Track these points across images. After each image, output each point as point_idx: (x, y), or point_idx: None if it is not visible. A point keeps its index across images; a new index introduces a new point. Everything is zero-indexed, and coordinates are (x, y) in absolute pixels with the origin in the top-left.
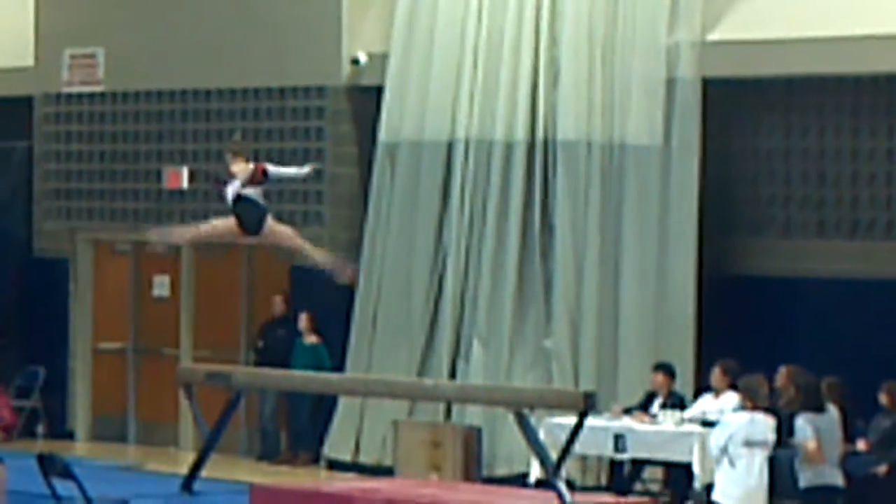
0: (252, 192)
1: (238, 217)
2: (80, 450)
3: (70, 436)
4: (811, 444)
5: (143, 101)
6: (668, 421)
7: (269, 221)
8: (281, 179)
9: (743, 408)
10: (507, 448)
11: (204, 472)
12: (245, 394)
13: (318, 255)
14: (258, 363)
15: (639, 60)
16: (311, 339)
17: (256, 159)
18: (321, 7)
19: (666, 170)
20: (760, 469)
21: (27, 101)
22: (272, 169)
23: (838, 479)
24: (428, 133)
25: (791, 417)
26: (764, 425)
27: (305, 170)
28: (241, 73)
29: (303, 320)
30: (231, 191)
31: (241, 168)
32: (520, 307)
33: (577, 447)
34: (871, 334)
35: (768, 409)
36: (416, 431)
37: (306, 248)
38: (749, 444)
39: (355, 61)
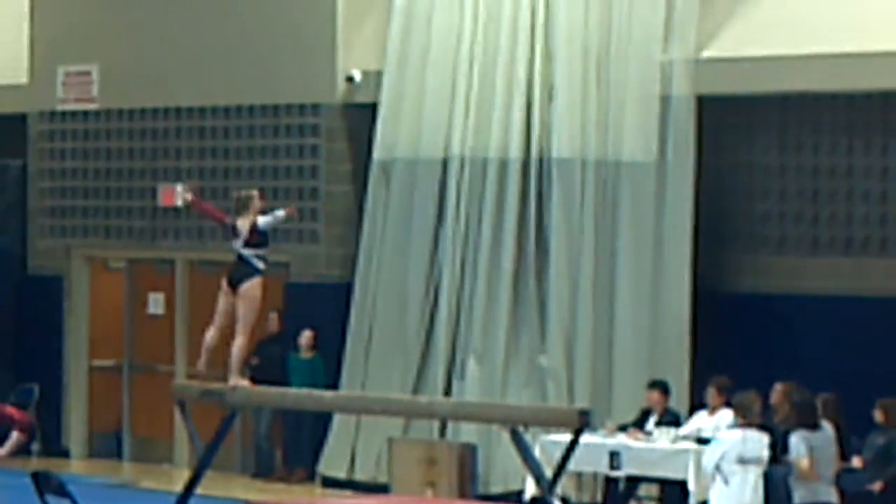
0: (249, 252)
1: (228, 272)
2: (75, 467)
3: (65, 453)
4: (804, 462)
5: (138, 119)
6: (663, 438)
7: (247, 285)
8: (275, 228)
9: (737, 425)
10: (502, 465)
11: (199, 490)
12: (240, 411)
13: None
14: (252, 380)
15: (633, 78)
16: (307, 353)
17: (263, 190)
18: (316, 25)
19: (660, 187)
20: (754, 486)
21: (22, 119)
22: (261, 221)
23: (832, 497)
24: (423, 150)
25: (786, 434)
26: (758, 442)
27: (281, 213)
28: (235, 90)
29: (305, 337)
30: (236, 246)
31: (243, 224)
32: (514, 324)
33: (573, 464)
34: (866, 351)
35: (762, 426)
36: (411, 449)
37: (236, 347)
38: (743, 461)
39: (350, 79)
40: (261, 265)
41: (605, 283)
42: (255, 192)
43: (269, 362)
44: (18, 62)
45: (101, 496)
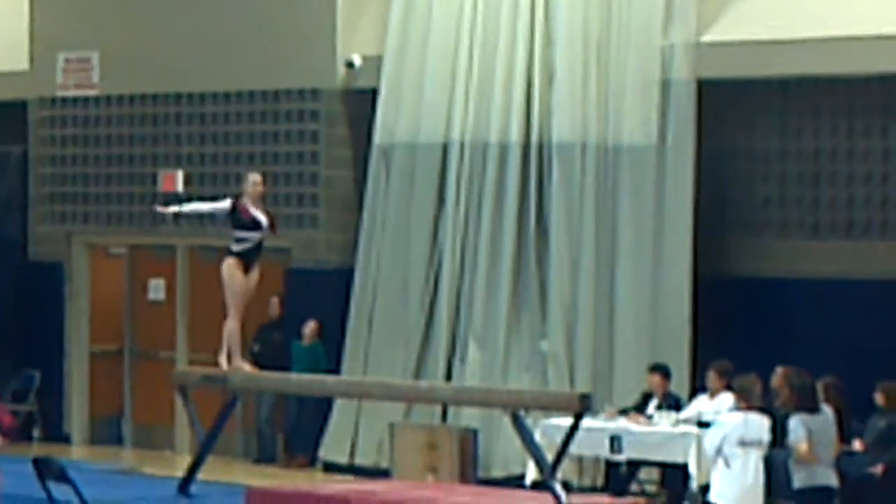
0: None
1: None
2: (76, 453)
3: (66, 439)
4: (803, 446)
5: (138, 105)
6: (663, 422)
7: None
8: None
9: (738, 408)
10: (503, 450)
11: (200, 475)
12: (241, 396)
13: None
14: (255, 363)
15: (633, 62)
16: (310, 341)
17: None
18: (315, 10)
19: (661, 171)
20: (756, 469)
21: (22, 106)
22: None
23: (832, 480)
24: (423, 135)
25: (787, 418)
26: (759, 425)
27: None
28: (235, 76)
29: (308, 328)
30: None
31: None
32: (515, 308)
33: (574, 448)
34: (867, 334)
35: (763, 409)
36: (413, 433)
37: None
38: (744, 444)
39: (350, 64)
40: (232, 245)
41: (606, 267)
42: (251, 177)
43: (271, 347)
44: (19, 49)
45: (103, 482)
